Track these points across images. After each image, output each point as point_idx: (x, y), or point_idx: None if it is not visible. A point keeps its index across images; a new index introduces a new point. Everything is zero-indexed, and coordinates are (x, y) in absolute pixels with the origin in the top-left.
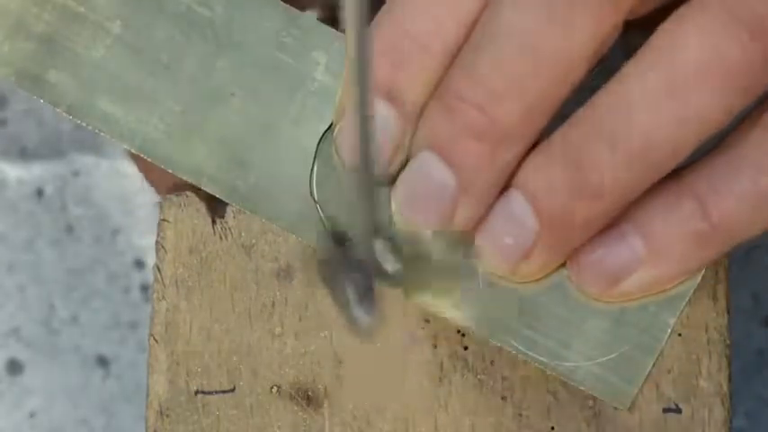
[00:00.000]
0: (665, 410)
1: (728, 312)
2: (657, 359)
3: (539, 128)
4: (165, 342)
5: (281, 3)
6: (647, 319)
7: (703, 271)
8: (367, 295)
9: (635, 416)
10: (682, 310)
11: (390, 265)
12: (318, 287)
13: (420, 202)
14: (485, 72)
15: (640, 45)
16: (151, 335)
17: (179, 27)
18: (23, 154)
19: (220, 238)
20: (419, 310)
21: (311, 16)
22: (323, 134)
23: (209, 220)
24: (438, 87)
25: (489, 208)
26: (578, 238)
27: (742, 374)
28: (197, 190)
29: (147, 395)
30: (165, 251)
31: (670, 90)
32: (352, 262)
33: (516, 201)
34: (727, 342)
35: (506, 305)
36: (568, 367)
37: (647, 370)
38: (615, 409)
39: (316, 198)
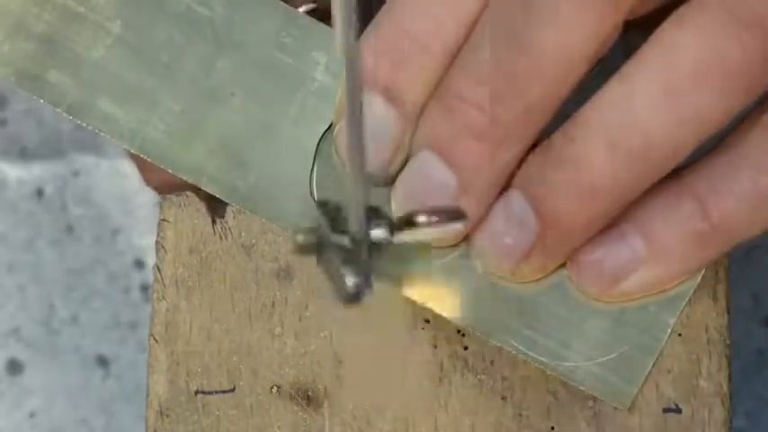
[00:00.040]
0: (665, 410)
1: (728, 312)
2: (657, 359)
3: (539, 128)
4: (165, 342)
5: (281, 2)
6: (647, 319)
7: (703, 271)
8: (357, 263)
9: (635, 416)
10: (682, 310)
11: (381, 233)
12: (317, 285)
13: (420, 202)
14: (485, 72)
15: (640, 45)
16: (151, 335)
17: (179, 27)
18: (23, 154)
19: (220, 238)
20: (419, 310)
21: (311, 18)
22: (323, 134)
23: (209, 220)
24: (438, 87)
25: (489, 208)
26: (578, 238)
27: (742, 374)
28: (197, 190)
29: (147, 395)
30: (165, 251)
31: (670, 90)
32: (340, 228)
33: (516, 201)
34: (727, 342)
35: (506, 305)
36: (568, 367)
37: (647, 370)
38: (615, 409)
39: (316, 198)
